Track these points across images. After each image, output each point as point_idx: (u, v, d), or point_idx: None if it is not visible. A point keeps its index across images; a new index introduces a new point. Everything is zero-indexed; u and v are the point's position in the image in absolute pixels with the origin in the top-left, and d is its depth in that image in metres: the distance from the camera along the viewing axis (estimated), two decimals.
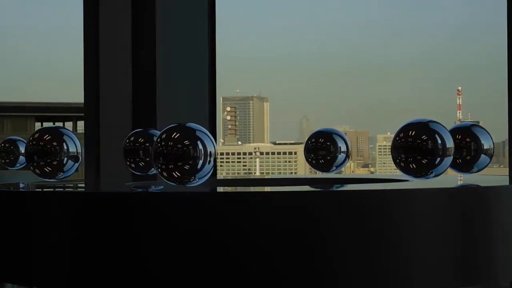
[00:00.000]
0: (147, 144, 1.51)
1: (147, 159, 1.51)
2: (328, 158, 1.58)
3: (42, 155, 1.34)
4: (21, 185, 1.40)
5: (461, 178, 1.41)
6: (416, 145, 1.18)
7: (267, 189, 1.52)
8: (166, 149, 1.11)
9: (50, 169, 1.34)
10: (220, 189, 1.48)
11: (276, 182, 1.78)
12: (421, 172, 1.19)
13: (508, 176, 1.63)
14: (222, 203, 1.04)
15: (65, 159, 1.34)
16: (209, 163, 1.13)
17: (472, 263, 1.10)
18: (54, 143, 1.34)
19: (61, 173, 1.36)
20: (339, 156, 1.59)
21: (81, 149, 1.38)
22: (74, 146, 1.36)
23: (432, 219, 1.07)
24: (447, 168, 1.21)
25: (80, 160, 1.37)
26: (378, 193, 1.08)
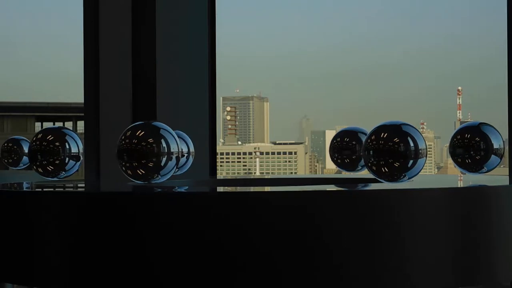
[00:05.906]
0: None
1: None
2: (354, 157, 1.57)
3: (45, 154, 1.42)
4: (25, 185, 1.41)
5: (461, 178, 1.41)
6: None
7: (267, 189, 1.52)
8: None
9: (52, 168, 1.43)
10: (220, 189, 1.48)
11: (276, 182, 1.78)
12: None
13: (508, 176, 1.63)
14: (222, 203, 1.04)
15: (67, 158, 1.43)
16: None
17: (472, 263, 1.10)
18: (57, 143, 1.43)
19: (63, 172, 1.44)
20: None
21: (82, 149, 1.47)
22: (76, 146, 1.44)
23: (432, 219, 1.07)
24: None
25: (81, 159, 1.46)
26: (378, 193, 1.08)
